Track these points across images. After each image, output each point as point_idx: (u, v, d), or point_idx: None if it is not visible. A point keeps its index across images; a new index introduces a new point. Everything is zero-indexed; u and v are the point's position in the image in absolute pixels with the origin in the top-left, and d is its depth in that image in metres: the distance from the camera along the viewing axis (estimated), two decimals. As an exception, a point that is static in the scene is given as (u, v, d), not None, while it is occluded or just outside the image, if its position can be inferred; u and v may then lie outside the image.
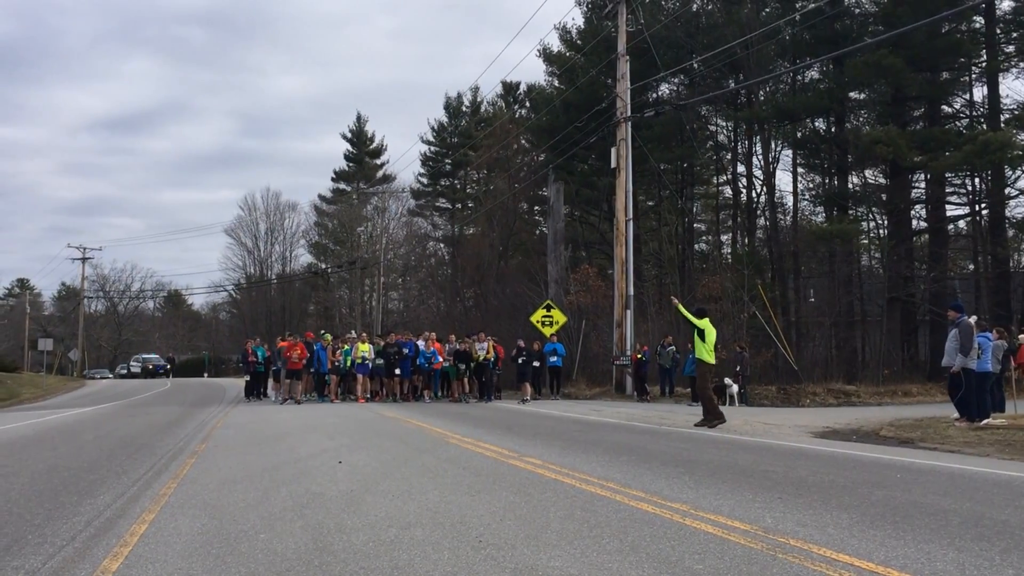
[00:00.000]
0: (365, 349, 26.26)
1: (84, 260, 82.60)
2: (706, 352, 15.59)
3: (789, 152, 40.26)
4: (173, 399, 31.60)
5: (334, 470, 9.73)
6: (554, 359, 28.15)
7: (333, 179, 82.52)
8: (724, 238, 46.09)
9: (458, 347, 26.97)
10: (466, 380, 26.61)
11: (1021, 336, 18.14)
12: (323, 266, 76.95)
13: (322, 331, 33.94)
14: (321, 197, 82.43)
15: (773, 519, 6.50)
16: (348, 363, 26.56)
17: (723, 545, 5.58)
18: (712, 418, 15.48)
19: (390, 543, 5.82)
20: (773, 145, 39.16)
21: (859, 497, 7.58)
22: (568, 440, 13.09)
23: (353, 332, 34.37)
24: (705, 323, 15.76)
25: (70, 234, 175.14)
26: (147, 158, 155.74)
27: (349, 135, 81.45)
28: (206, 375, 73.75)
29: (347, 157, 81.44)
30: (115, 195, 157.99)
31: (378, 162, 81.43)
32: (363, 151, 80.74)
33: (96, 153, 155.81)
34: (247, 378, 29.13)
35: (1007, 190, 34.78)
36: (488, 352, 26.63)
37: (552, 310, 30.66)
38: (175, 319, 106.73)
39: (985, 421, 14.65)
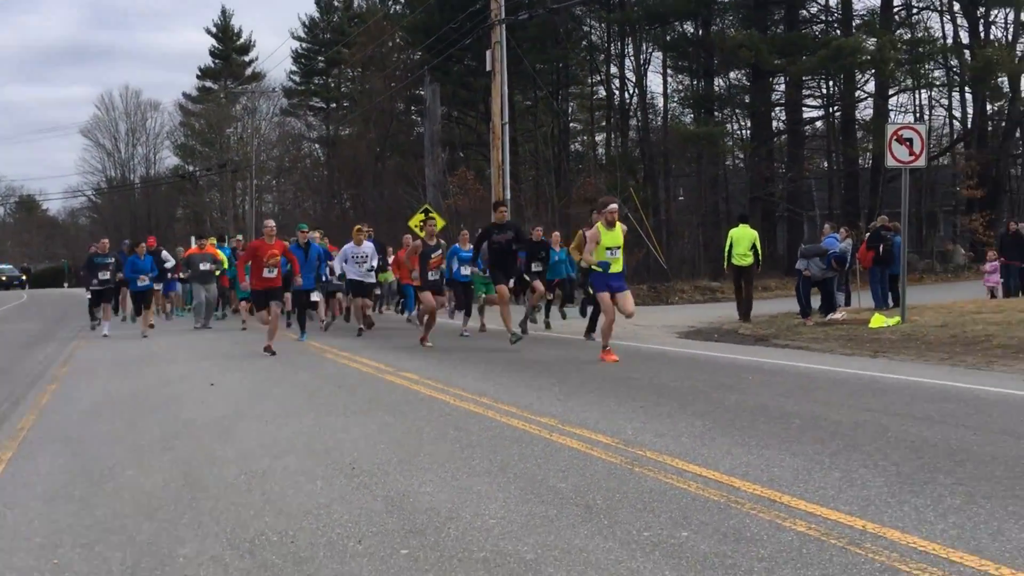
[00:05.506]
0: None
1: (-75, 164, 77.13)
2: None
3: (660, 54, 40.81)
4: (30, 314, 30.08)
5: (205, 393, 9.63)
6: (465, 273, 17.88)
7: (198, 76, 78.24)
8: (599, 138, 46.69)
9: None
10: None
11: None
12: (191, 169, 74.20)
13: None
14: (186, 95, 78.11)
15: (633, 430, 6.81)
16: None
17: (586, 461, 5.87)
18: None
19: (262, 475, 5.80)
20: (644, 47, 39.60)
21: (713, 403, 8.02)
22: (444, 351, 13.35)
23: (240, 236, 30.46)
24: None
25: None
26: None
27: (213, 30, 77.51)
28: (66, 285, 70.86)
29: (212, 53, 77.54)
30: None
31: (247, 59, 77.96)
32: (230, 47, 77.10)
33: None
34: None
35: (856, 93, 36.92)
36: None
37: (431, 214, 30.64)
38: (29, 226, 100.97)
39: (830, 316, 15.81)
